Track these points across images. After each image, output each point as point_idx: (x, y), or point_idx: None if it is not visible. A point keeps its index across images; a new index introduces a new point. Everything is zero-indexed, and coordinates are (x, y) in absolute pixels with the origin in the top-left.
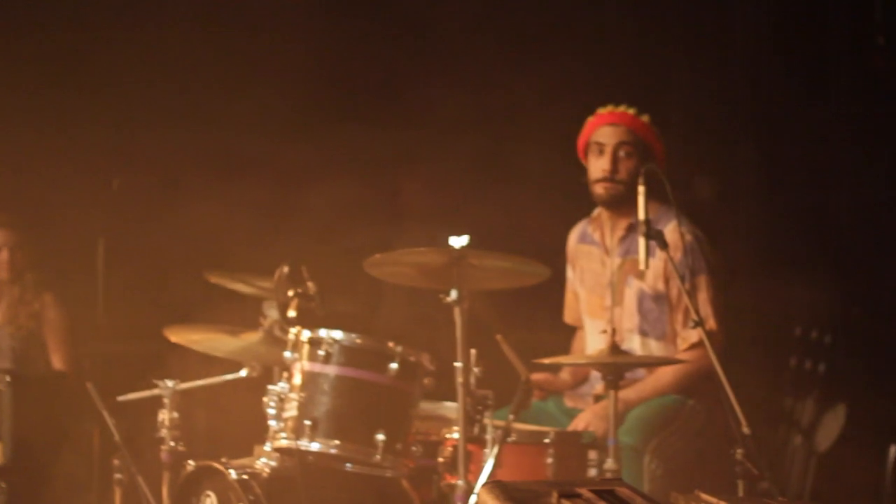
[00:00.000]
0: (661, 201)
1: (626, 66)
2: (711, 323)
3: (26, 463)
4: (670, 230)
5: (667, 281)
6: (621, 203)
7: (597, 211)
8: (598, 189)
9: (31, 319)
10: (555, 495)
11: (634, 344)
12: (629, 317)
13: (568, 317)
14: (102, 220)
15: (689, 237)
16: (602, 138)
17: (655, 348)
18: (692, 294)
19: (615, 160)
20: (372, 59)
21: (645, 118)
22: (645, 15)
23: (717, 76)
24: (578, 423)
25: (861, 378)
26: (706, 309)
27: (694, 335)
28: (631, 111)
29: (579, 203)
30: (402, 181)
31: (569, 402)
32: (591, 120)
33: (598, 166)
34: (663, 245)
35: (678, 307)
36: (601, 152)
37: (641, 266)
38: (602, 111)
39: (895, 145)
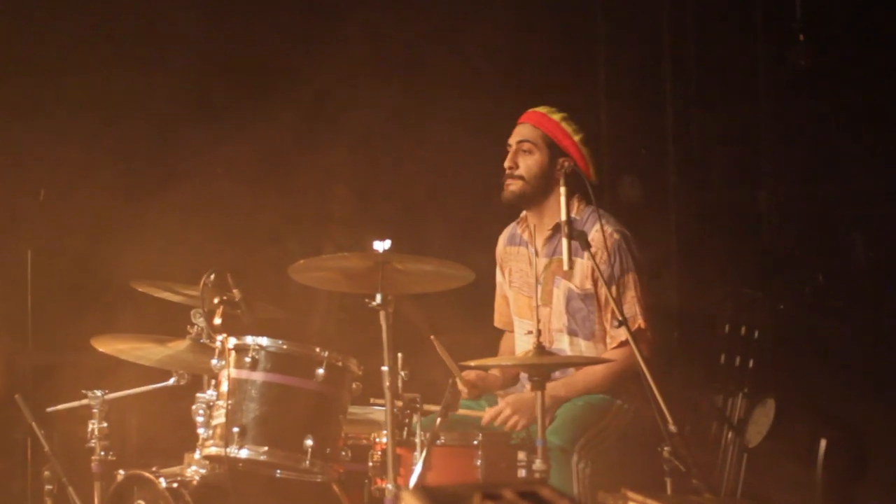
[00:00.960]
0: (588, 201)
1: (551, 65)
2: (640, 321)
3: None
4: (597, 230)
5: (595, 280)
6: (526, 201)
7: (524, 212)
8: (504, 186)
9: None
10: (477, 497)
11: (564, 344)
12: (557, 317)
13: (498, 321)
14: (29, 231)
15: (615, 236)
16: (510, 139)
17: (585, 348)
18: (619, 293)
19: (514, 156)
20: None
21: (557, 116)
22: (570, 12)
23: (641, 74)
24: (490, 412)
25: (790, 373)
26: (634, 308)
27: (622, 334)
28: (543, 110)
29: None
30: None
31: (484, 421)
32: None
33: (504, 163)
34: (586, 245)
35: (607, 306)
36: (509, 150)
37: (565, 266)
38: (524, 113)
39: (819, 142)
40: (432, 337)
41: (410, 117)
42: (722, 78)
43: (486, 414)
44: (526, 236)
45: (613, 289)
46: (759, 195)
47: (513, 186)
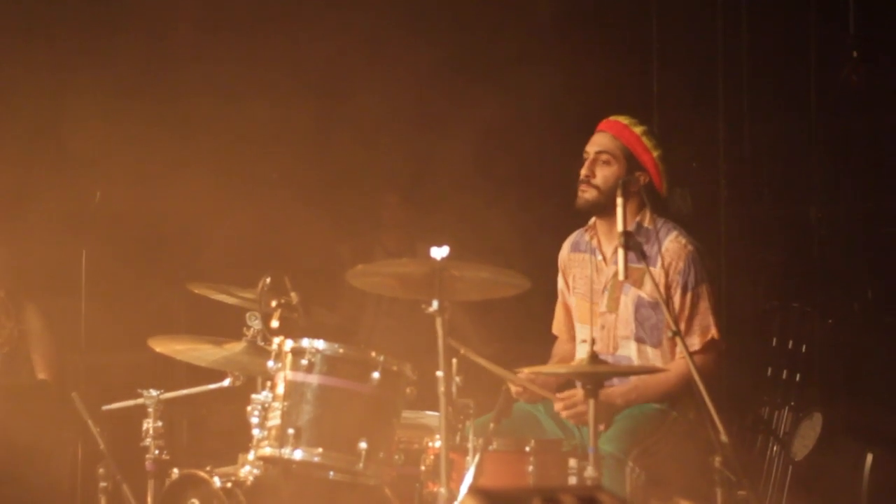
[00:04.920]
0: (660, 213)
1: (606, 77)
2: (713, 332)
3: (11, 472)
4: (671, 240)
5: (666, 289)
6: (599, 210)
7: (593, 219)
8: (578, 192)
9: (13, 331)
10: (537, 501)
11: (630, 350)
12: (624, 324)
13: (555, 327)
14: (85, 232)
15: (689, 248)
16: (588, 147)
17: (652, 355)
18: (693, 303)
19: (592, 166)
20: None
21: (638, 129)
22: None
23: (693, 87)
24: (565, 393)
25: (836, 387)
26: (707, 318)
27: (692, 344)
28: (624, 120)
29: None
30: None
31: (557, 407)
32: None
33: (581, 171)
34: (641, 256)
35: (679, 316)
36: (586, 158)
37: (620, 276)
38: (603, 120)
39: (870, 158)
40: (463, 350)
41: (464, 124)
42: (774, 92)
43: (560, 397)
44: (594, 243)
45: (687, 298)
46: (809, 210)
47: (587, 195)
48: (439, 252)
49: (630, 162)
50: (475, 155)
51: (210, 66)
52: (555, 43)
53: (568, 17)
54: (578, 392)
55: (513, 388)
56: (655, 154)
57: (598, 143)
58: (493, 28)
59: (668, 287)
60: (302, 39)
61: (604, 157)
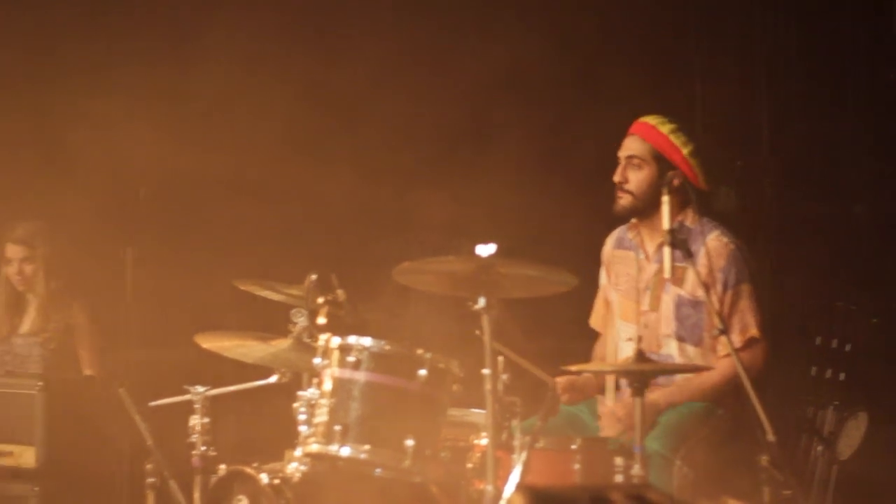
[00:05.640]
0: (702, 212)
1: (649, 76)
2: (754, 331)
3: (58, 467)
4: (713, 238)
5: (707, 288)
6: (637, 213)
7: (635, 218)
8: (615, 200)
9: (60, 327)
10: (586, 499)
11: (672, 349)
12: (666, 322)
13: (594, 321)
14: (130, 229)
15: (731, 246)
16: (620, 151)
17: (693, 354)
18: (734, 302)
19: (624, 171)
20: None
21: (666, 128)
22: (667, 24)
23: (737, 86)
24: (609, 418)
25: (881, 386)
26: (748, 317)
27: (735, 342)
28: (653, 121)
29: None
30: (428, 189)
31: (601, 407)
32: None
33: (614, 176)
34: (687, 254)
35: (718, 314)
36: (619, 163)
37: (666, 274)
38: (634, 122)
39: None
40: (502, 353)
41: (510, 123)
42: (819, 91)
43: (605, 419)
44: (637, 241)
45: (728, 297)
46: (854, 208)
47: (623, 201)
48: (486, 249)
49: (661, 163)
50: (520, 151)
51: (251, 66)
52: (599, 43)
53: (610, 19)
54: (616, 409)
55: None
56: (685, 151)
57: (629, 147)
58: (542, 28)
59: (709, 285)
60: (346, 40)
61: (634, 161)
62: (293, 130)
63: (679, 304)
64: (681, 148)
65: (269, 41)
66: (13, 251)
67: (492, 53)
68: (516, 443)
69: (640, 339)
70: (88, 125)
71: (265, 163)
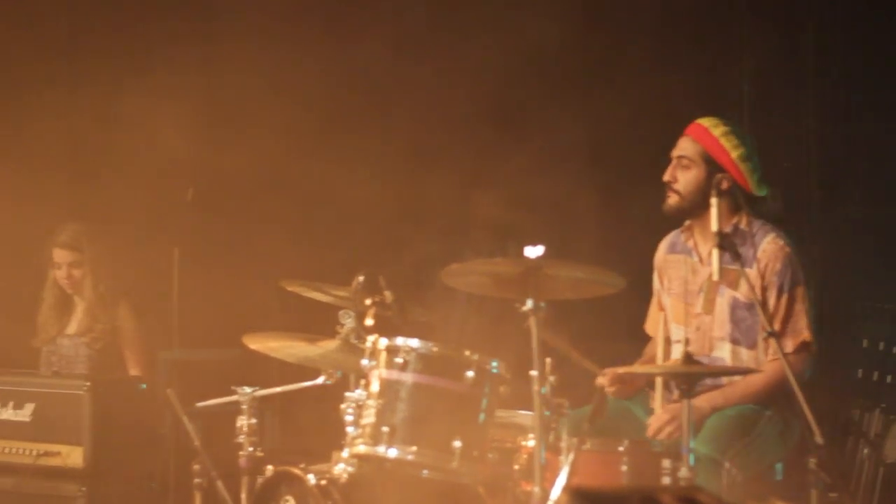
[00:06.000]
0: (755, 215)
1: (697, 77)
2: (805, 334)
3: (105, 467)
4: (769, 241)
5: (762, 291)
6: (685, 213)
7: (689, 221)
8: (664, 200)
9: (107, 328)
10: (636, 501)
11: (724, 352)
12: (720, 325)
13: (648, 326)
14: (177, 230)
15: (786, 249)
16: (672, 151)
17: (746, 357)
18: (788, 304)
19: (673, 170)
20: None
21: (718, 131)
22: (715, 24)
23: (785, 87)
24: (655, 424)
25: None
26: (801, 320)
27: (788, 346)
28: (707, 123)
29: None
30: (476, 191)
31: (654, 403)
32: None
33: (664, 175)
34: (736, 257)
35: (773, 317)
36: (670, 163)
37: (714, 276)
38: (691, 123)
39: None
40: (548, 358)
41: (558, 124)
42: (867, 93)
43: (651, 427)
44: (691, 244)
45: (783, 300)
46: None
47: (670, 200)
48: (534, 251)
49: (709, 165)
50: (568, 154)
51: (297, 68)
52: (648, 45)
53: (660, 18)
54: (661, 416)
55: (600, 381)
56: (735, 154)
57: (680, 147)
58: (586, 28)
59: (764, 288)
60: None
61: (683, 161)
62: (341, 131)
63: (734, 306)
64: (730, 151)
65: (317, 43)
66: (60, 256)
67: (540, 49)
68: (563, 444)
69: (687, 342)
70: (136, 126)
71: (312, 164)
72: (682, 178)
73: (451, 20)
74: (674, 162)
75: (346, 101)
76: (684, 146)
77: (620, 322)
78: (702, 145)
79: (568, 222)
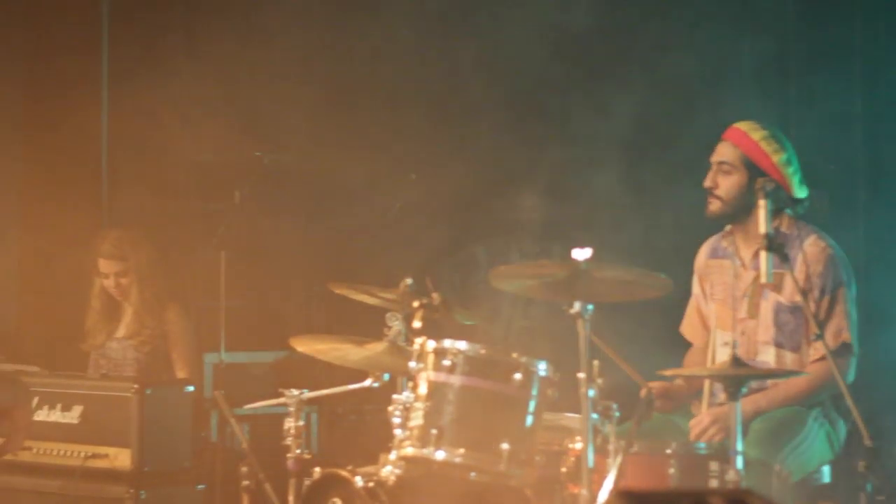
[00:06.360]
0: (798, 216)
1: (745, 80)
2: (845, 335)
3: (153, 469)
4: (810, 243)
5: (804, 293)
6: (728, 219)
7: (730, 226)
8: (706, 205)
9: (154, 331)
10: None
11: (769, 356)
12: (764, 329)
13: (686, 330)
14: (224, 233)
15: (829, 251)
16: (712, 156)
17: (791, 360)
18: (829, 306)
19: (714, 176)
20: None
21: (757, 134)
22: (762, 27)
23: (832, 88)
24: (696, 427)
25: None
26: (842, 321)
27: (830, 345)
28: (745, 127)
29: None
30: (522, 194)
31: (698, 409)
32: None
33: (704, 181)
34: (783, 259)
35: (815, 318)
36: (710, 168)
37: (763, 279)
38: (728, 127)
39: None
40: (596, 361)
41: (602, 127)
42: None
43: (693, 429)
44: (732, 249)
45: (824, 301)
46: None
47: (712, 206)
48: (581, 253)
49: (750, 169)
50: (613, 157)
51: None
52: (690, 49)
53: (709, 17)
54: (703, 419)
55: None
56: (776, 158)
57: (720, 152)
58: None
59: (806, 290)
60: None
61: (724, 167)
62: (386, 134)
63: (778, 310)
64: (771, 155)
65: (362, 44)
66: (106, 266)
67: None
68: (611, 447)
69: (735, 345)
70: (183, 128)
71: (358, 166)
72: (724, 184)
73: (495, 12)
74: (714, 167)
75: (392, 104)
76: (724, 151)
77: (654, 328)
78: (742, 150)
79: (608, 223)
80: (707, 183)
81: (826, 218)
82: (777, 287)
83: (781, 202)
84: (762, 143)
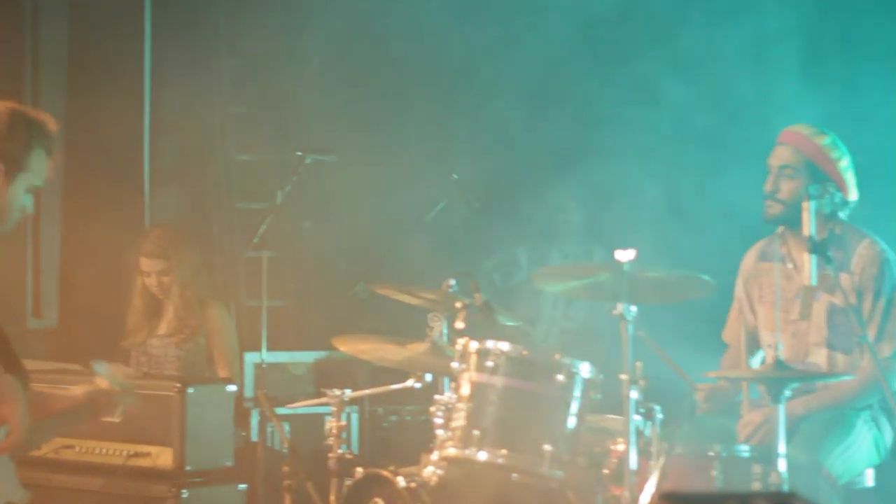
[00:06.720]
0: (849, 220)
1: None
2: None
3: (195, 468)
4: (865, 246)
5: (858, 295)
6: (787, 222)
7: (780, 228)
8: (764, 206)
9: (196, 330)
10: None
11: (820, 357)
12: (817, 330)
13: (727, 335)
14: (265, 235)
15: (884, 253)
16: (771, 159)
17: (842, 362)
18: (886, 309)
19: (776, 180)
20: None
21: (819, 139)
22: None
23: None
24: (746, 428)
25: None
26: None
27: (885, 350)
28: (806, 131)
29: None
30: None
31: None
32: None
33: (765, 185)
34: (828, 261)
35: (870, 322)
36: (769, 172)
37: (811, 281)
38: (786, 128)
39: None
40: (639, 362)
41: (644, 129)
42: None
43: (742, 428)
44: (784, 251)
45: (880, 304)
46: None
47: (774, 210)
48: (625, 255)
49: (813, 173)
50: (652, 159)
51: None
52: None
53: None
54: (752, 419)
55: (697, 396)
56: (840, 164)
57: (781, 156)
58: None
59: (860, 293)
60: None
61: (787, 171)
62: (428, 134)
63: (831, 312)
64: (835, 161)
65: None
66: (147, 265)
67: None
68: (654, 449)
69: (777, 346)
70: (225, 128)
71: (400, 166)
72: (786, 188)
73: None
74: (775, 171)
75: (436, 107)
76: (786, 156)
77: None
78: (805, 154)
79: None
80: (769, 187)
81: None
82: (830, 288)
83: (837, 206)
84: (825, 148)
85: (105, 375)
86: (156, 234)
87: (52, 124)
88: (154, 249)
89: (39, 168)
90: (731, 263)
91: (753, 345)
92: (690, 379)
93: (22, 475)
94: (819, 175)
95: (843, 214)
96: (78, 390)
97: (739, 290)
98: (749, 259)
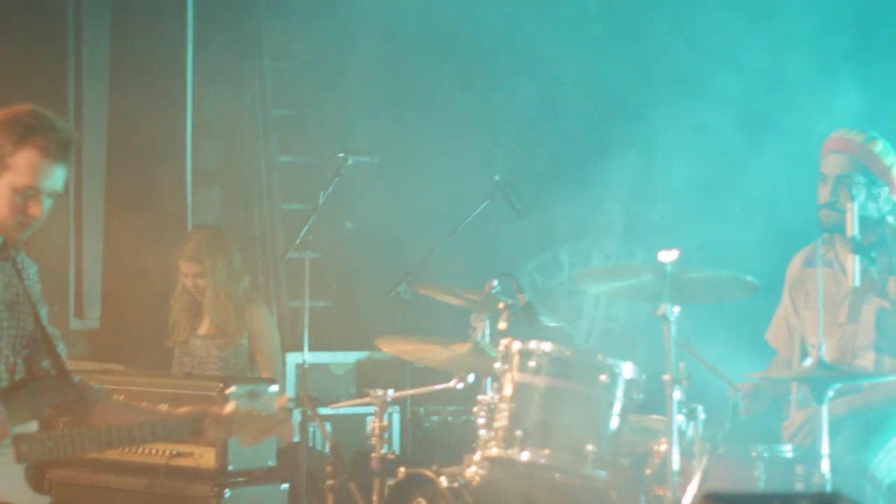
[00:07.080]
0: None
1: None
2: None
3: (237, 468)
4: None
5: None
6: (840, 229)
7: (826, 234)
8: (820, 215)
9: (238, 331)
10: None
11: (867, 360)
12: (865, 333)
13: (771, 337)
14: (307, 237)
15: None
16: (826, 168)
17: (890, 365)
18: None
19: (835, 191)
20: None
21: (873, 145)
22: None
23: None
24: (790, 428)
25: None
26: None
27: None
28: (859, 137)
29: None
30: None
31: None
32: (825, 142)
33: (821, 193)
34: (872, 262)
35: None
36: (825, 181)
37: (855, 283)
38: (834, 134)
39: None
40: (682, 363)
41: (683, 130)
42: None
43: (786, 428)
44: (830, 256)
45: None
46: None
47: (832, 219)
48: (667, 255)
49: (870, 180)
50: (695, 163)
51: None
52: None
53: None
54: (797, 419)
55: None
56: (894, 169)
57: (837, 165)
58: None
59: None
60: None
61: (846, 181)
62: (470, 135)
63: (880, 314)
64: (889, 166)
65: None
66: (186, 268)
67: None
68: (696, 449)
69: (820, 347)
70: (268, 129)
71: (441, 167)
72: (844, 197)
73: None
74: (832, 181)
75: (476, 105)
76: (841, 165)
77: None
78: (861, 160)
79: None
80: (826, 197)
81: None
82: (880, 292)
83: (887, 210)
84: (880, 152)
85: (244, 398)
86: (195, 237)
87: (63, 129)
88: (191, 253)
89: (28, 169)
90: (771, 262)
91: (803, 352)
92: (730, 379)
93: (65, 475)
94: (876, 181)
95: (893, 219)
96: (185, 409)
97: (786, 298)
98: (794, 266)
